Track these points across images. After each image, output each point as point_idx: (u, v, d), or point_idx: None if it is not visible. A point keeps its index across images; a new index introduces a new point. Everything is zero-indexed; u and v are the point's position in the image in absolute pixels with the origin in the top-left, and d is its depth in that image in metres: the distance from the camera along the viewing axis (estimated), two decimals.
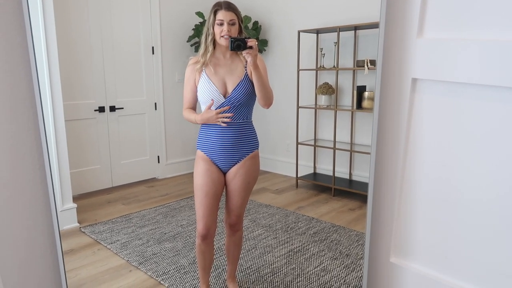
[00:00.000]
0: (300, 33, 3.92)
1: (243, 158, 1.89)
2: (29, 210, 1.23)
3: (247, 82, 1.83)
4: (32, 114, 1.17)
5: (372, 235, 1.13)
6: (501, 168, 0.93)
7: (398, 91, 1.02)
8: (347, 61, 3.86)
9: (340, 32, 3.68)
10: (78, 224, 3.16)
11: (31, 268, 1.26)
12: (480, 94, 0.92)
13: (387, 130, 1.07)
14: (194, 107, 1.95)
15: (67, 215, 3.10)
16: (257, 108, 1.93)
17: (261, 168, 4.67)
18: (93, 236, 2.94)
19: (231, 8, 1.80)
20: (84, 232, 3.02)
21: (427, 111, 1.00)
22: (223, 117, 1.80)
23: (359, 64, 3.63)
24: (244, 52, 1.70)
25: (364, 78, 3.74)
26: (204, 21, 4.26)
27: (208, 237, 1.91)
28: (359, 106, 3.65)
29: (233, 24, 1.79)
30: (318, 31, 3.90)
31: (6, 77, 1.11)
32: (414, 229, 1.09)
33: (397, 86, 1.02)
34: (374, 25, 3.45)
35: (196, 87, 1.87)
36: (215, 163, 1.89)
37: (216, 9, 1.80)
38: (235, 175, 1.90)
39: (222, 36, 1.78)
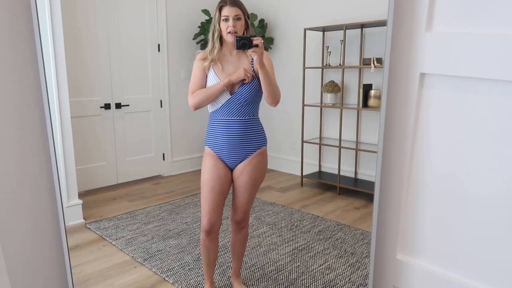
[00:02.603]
0: (306, 31, 3.91)
1: (250, 155, 1.88)
2: (35, 206, 1.23)
3: (254, 79, 1.82)
4: (39, 111, 1.18)
5: (378, 232, 1.13)
6: (510, 165, 0.91)
7: (406, 86, 1.01)
8: (353, 59, 3.85)
9: (347, 30, 3.66)
10: (84, 220, 3.17)
11: (37, 264, 1.27)
12: (490, 89, 0.91)
13: (395, 125, 1.06)
14: None
15: (72, 211, 3.12)
16: (263, 106, 1.92)
17: None
18: (98, 232, 2.95)
19: (236, 3, 1.79)
20: (89, 228, 3.04)
21: (435, 106, 0.99)
22: (249, 73, 1.78)
23: (365, 62, 3.61)
24: (250, 51, 1.69)
25: (370, 76, 3.72)
26: (210, 18, 4.26)
27: (212, 232, 1.91)
28: (365, 104, 3.63)
29: (238, 19, 1.78)
30: (324, 29, 3.89)
31: (13, 74, 1.11)
32: (421, 226, 1.08)
33: (405, 81, 1.01)
34: (381, 23, 3.43)
35: (206, 79, 1.86)
36: (222, 160, 1.89)
37: (221, 5, 1.80)
38: (242, 171, 1.89)
39: (229, 32, 1.77)
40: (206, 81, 1.86)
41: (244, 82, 1.80)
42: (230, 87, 1.82)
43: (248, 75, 1.78)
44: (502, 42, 0.89)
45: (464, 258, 1.02)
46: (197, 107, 1.84)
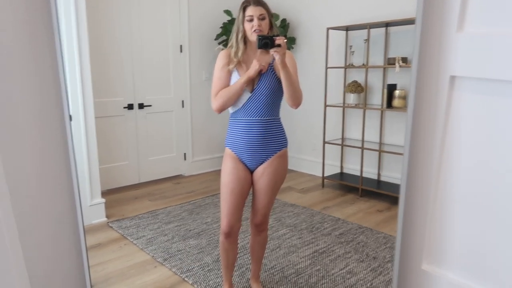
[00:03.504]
0: (329, 30, 3.85)
1: (270, 157, 1.86)
2: (55, 205, 1.24)
3: (272, 76, 1.78)
4: (59, 111, 1.18)
5: (403, 240, 1.08)
6: None
7: (435, 89, 0.96)
8: (377, 59, 3.76)
9: (371, 29, 3.58)
10: (106, 219, 3.22)
11: (56, 262, 1.28)
12: None
13: (422, 130, 1.01)
14: None
15: (95, 209, 3.17)
16: (284, 106, 1.88)
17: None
18: (120, 231, 2.99)
19: (260, 3, 1.76)
20: (111, 227, 3.08)
21: (466, 110, 0.94)
22: (259, 64, 1.74)
23: (390, 62, 3.52)
24: (271, 51, 1.65)
25: (395, 76, 3.63)
26: (232, 19, 4.25)
27: (231, 235, 1.90)
28: (389, 105, 3.54)
29: (263, 19, 1.75)
30: (347, 28, 3.82)
31: (33, 73, 1.12)
32: (449, 235, 1.03)
33: (434, 84, 0.96)
34: (406, 21, 3.33)
35: (230, 77, 1.83)
36: (242, 161, 1.87)
37: (245, 5, 1.77)
38: (262, 174, 1.87)
39: (254, 31, 1.74)
40: (230, 82, 1.83)
41: (262, 72, 1.77)
42: (251, 85, 1.79)
43: (263, 63, 1.74)
44: None
45: (495, 271, 0.96)
46: (221, 109, 1.80)
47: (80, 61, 2.95)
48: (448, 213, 1.03)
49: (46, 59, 1.13)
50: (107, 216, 3.25)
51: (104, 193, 3.70)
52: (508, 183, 0.93)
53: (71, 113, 2.96)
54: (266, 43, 1.63)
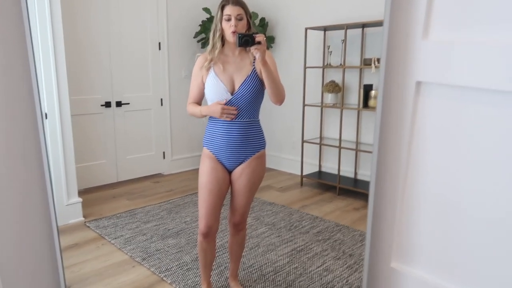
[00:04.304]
0: (308, 30, 3.89)
1: (249, 158, 1.87)
2: (26, 204, 1.23)
3: (255, 78, 1.80)
4: (30, 109, 1.17)
5: (372, 239, 1.12)
6: (507, 177, 0.91)
7: (402, 93, 1.00)
8: (354, 59, 3.83)
9: (348, 30, 3.64)
10: (83, 219, 3.18)
11: (30, 263, 1.27)
12: (487, 99, 0.90)
13: (390, 132, 1.05)
14: (199, 103, 1.94)
15: (72, 209, 3.13)
16: (264, 106, 1.91)
17: (266, 165, 4.66)
18: (97, 231, 2.96)
19: (239, 2, 1.77)
20: (89, 227, 3.04)
21: (431, 115, 0.98)
22: (229, 112, 1.78)
23: (366, 63, 3.60)
24: (252, 48, 1.67)
25: (371, 76, 3.71)
26: (211, 17, 4.24)
27: (209, 235, 1.91)
28: (366, 104, 3.62)
29: (240, 19, 1.77)
30: (325, 29, 3.87)
31: (3, 72, 1.11)
32: (416, 234, 1.07)
33: (401, 88, 1.00)
34: (382, 23, 3.40)
35: (203, 84, 1.86)
36: (220, 162, 1.88)
37: (223, 4, 1.78)
38: (240, 174, 1.88)
39: (232, 32, 1.75)
40: (204, 84, 1.85)
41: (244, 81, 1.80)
42: (232, 88, 1.81)
43: (224, 116, 1.80)
44: (500, 51, 0.88)
45: (461, 268, 1.01)
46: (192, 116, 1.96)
47: (55, 58, 2.89)
48: (415, 211, 1.08)
49: (16, 55, 1.11)
50: (84, 216, 3.21)
51: (81, 193, 3.65)
52: (471, 186, 0.97)
53: (46, 111, 2.91)
54: (246, 40, 1.64)
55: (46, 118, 2.92)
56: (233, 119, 1.80)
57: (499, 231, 0.94)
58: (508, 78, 0.87)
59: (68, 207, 3.10)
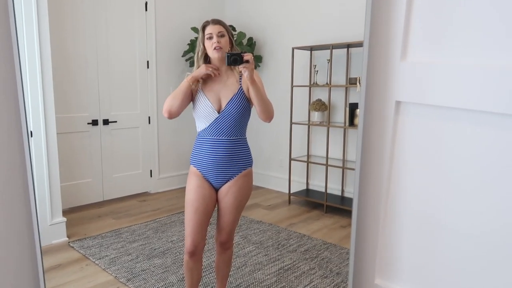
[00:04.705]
0: (294, 49, 3.97)
1: (235, 176, 1.88)
2: (10, 224, 1.21)
3: (242, 96, 1.83)
4: (16, 127, 1.16)
5: (356, 256, 1.13)
6: (485, 193, 0.93)
7: (383, 113, 1.03)
8: (340, 78, 3.90)
9: (333, 50, 3.73)
10: (67, 239, 3.12)
11: (11, 285, 1.24)
12: (464, 118, 0.93)
13: (372, 151, 1.07)
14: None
15: (56, 229, 3.07)
16: (252, 124, 1.92)
17: (254, 183, 4.66)
18: (81, 251, 2.90)
19: (218, 22, 1.85)
20: (72, 247, 2.98)
21: (411, 134, 1.01)
22: (212, 67, 1.81)
23: (352, 82, 3.67)
24: (240, 67, 1.70)
25: (357, 95, 3.78)
26: None
27: (196, 254, 1.89)
28: (351, 123, 3.67)
29: (222, 36, 1.82)
30: (311, 48, 3.95)
31: None
32: (398, 251, 1.08)
33: (382, 108, 1.03)
34: None
35: (192, 95, 1.87)
36: (207, 179, 1.88)
37: (204, 25, 1.86)
38: (227, 192, 1.88)
39: (215, 49, 1.79)
40: (193, 95, 1.87)
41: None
42: (219, 106, 1.83)
43: (210, 69, 1.80)
44: (475, 73, 0.92)
45: (442, 284, 1.02)
46: (169, 111, 1.82)
47: (42, 76, 2.88)
48: (397, 228, 1.09)
49: (3, 72, 1.11)
50: (68, 236, 3.15)
51: (66, 212, 3.58)
52: (451, 204, 1.00)
53: (31, 129, 2.88)
54: (235, 59, 1.67)
55: (31, 136, 2.89)
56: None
57: (479, 246, 0.96)
58: (483, 98, 0.90)
59: (51, 226, 3.04)
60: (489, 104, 0.89)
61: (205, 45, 1.83)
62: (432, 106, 0.97)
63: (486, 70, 0.90)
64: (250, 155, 1.95)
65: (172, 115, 1.83)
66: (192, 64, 4.52)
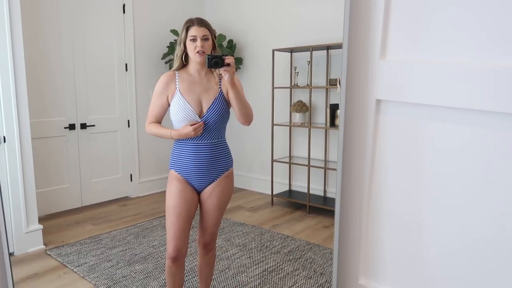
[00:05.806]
0: (275, 51, 3.97)
1: (218, 177, 1.86)
2: None
3: (222, 100, 1.81)
4: None
5: (340, 256, 1.12)
6: (464, 189, 0.94)
7: (363, 112, 1.03)
8: (320, 80, 3.93)
9: (313, 52, 3.75)
10: (44, 246, 3.02)
11: None
12: (442, 116, 0.94)
13: (353, 151, 1.07)
14: (160, 121, 1.91)
15: (32, 237, 2.97)
16: (233, 126, 1.91)
17: (237, 185, 4.64)
18: (59, 259, 2.81)
19: (204, 24, 1.79)
20: (50, 255, 2.89)
21: (391, 132, 1.01)
22: (199, 127, 1.77)
23: (332, 83, 3.70)
24: (221, 70, 1.67)
25: (337, 96, 3.80)
26: None
27: (178, 258, 1.85)
28: (332, 123, 3.70)
29: (206, 39, 1.78)
30: (292, 50, 3.96)
31: None
32: (381, 250, 1.08)
33: (362, 107, 1.03)
34: None
35: (168, 104, 1.84)
36: (189, 183, 1.85)
37: (188, 25, 1.79)
38: (210, 194, 1.86)
39: (197, 52, 1.76)
40: (168, 106, 1.85)
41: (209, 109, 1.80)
42: (199, 109, 1.80)
43: (197, 130, 1.78)
44: (452, 71, 0.92)
45: (424, 283, 1.03)
46: (150, 134, 1.87)
47: (15, 79, 2.79)
48: (380, 228, 1.09)
49: None
50: (45, 244, 3.05)
51: (42, 219, 3.48)
52: (430, 198, 1.00)
53: (4, 135, 2.78)
54: (216, 62, 1.64)
55: (4, 141, 2.79)
56: (202, 142, 1.80)
57: (461, 246, 0.96)
58: (460, 95, 0.91)
59: (27, 234, 2.94)
60: (465, 101, 0.90)
61: (187, 46, 1.79)
62: (411, 104, 0.98)
63: (463, 68, 0.91)
64: (231, 155, 1.94)
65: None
66: (171, 67, 4.47)
